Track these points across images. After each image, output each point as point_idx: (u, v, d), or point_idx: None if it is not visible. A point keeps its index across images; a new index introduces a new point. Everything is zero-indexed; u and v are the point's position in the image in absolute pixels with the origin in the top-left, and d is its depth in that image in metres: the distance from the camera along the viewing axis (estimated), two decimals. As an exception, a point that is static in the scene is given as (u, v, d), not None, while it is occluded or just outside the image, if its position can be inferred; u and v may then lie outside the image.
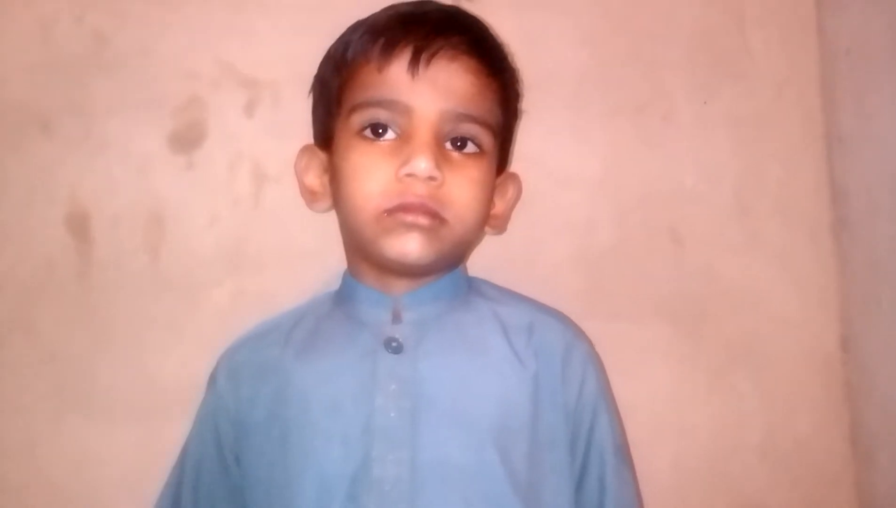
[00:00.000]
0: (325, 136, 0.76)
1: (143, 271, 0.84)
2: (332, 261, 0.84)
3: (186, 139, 0.85)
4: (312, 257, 0.85)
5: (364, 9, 0.80)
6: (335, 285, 0.81)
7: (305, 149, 0.79)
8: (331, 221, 0.82)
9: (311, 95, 0.81)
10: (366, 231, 0.70)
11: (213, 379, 0.76)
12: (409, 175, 0.68)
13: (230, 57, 0.87)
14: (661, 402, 0.87)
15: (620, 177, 0.90)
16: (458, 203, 0.70)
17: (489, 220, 0.78)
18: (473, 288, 0.78)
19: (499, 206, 0.79)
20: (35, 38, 0.85)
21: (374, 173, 0.69)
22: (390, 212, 0.68)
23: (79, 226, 0.84)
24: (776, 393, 0.90)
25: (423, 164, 0.67)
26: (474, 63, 0.72)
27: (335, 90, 0.74)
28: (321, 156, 0.77)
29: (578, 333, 0.77)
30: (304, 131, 0.84)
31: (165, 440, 0.80)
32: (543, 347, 0.73)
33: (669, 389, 0.89)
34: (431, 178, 0.68)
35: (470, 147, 0.72)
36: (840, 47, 0.93)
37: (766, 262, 0.92)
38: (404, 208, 0.68)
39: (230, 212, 0.85)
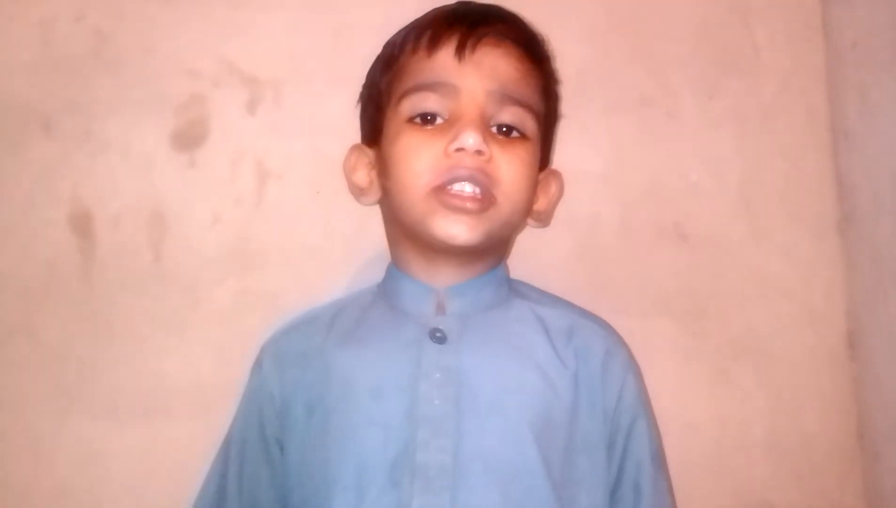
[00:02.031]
0: (374, 131, 0.77)
1: (146, 271, 0.83)
2: (335, 259, 0.84)
3: (188, 137, 0.85)
4: (316, 255, 0.85)
5: (366, 5, 0.80)
6: (341, 283, 0.82)
7: (354, 148, 0.80)
8: (334, 218, 0.83)
9: (359, 103, 0.82)
10: (414, 211, 0.71)
11: (258, 366, 0.77)
12: (458, 150, 0.69)
13: (232, 55, 0.86)
14: (665, 398, 0.85)
15: (624, 173, 0.90)
16: (506, 181, 0.71)
17: (533, 214, 0.79)
18: (514, 289, 0.79)
19: (542, 201, 0.80)
20: (35, 38, 0.85)
21: (422, 152, 0.71)
22: (439, 190, 0.69)
23: (81, 225, 0.84)
24: (782, 389, 0.90)
25: (471, 138, 0.69)
26: (518, 50, 0.75)
27: (385, 86, 0.76)
28: (369, 153, 0.78)
29: (618, 339, 0.78)
30: (306, 129, 0.84)
31: (169, 439, 0.80)
32: (583, 350, 0.74)
33: (674, 385, 0.88)
34: (479, 152, 0.69)
35: (515, 134, 0.74)
36: (845, 42, 0.92)
37: (771, 257, 0.91)
38: (454, 181, 0.69)
39: (232, 210, 0.85)
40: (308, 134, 0.84)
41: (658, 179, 0.90)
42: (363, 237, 0.81)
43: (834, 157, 0.93)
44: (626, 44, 0.92)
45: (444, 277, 0.74)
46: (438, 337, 0.71)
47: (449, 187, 0.69)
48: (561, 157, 0.87)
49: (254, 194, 0.85)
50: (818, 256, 0.92)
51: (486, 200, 0.70)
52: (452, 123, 0.71)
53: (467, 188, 0.69)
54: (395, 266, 0.77)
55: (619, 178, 0.90)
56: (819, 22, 0.95)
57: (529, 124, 0.74)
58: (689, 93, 0.92)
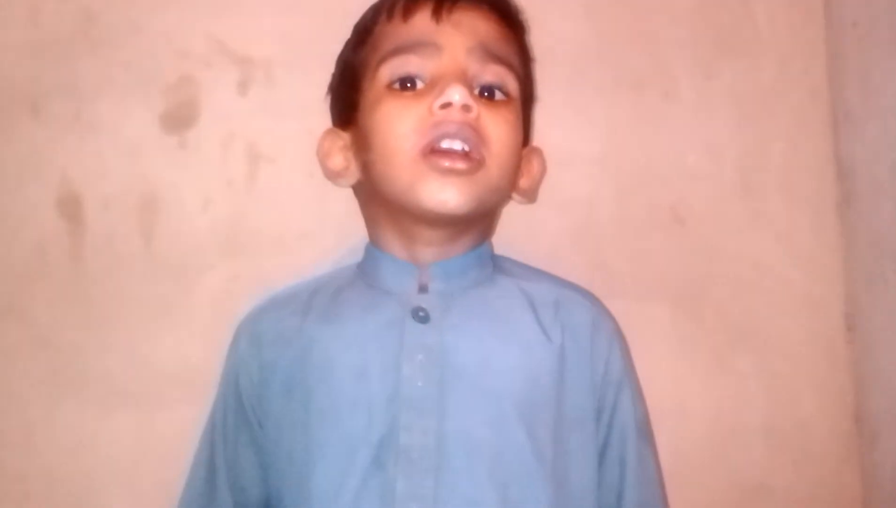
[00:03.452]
0: (349, 110, 0.75)
1: (137, 255, 0.83)
2: (328, 242, 0.83)
3: (178, 119, 0.84)
4: (308, 239, 0.84)
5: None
6: (331, 266, 0.80)
7: (327, 132, 0.78)
8: (327, 202, 0.82)
9: (329, 93, 0.80)
10: (402, 179, 0.68)
11: (234, 345, 0.76)
12: (444, 106, 0.67)
13: (222, 34, 0.85)
14: (661, 383, 0.85)
15: (621, 155, 0.89)
16: (494, 140, 0.69)
17: (519, 190, 0.78)
18: (498, 266, 0.77)
19: (526, 179, 0.78)
20: (23, 18, 0.84)
21: (406, 115, 0.69)
22: (427, 151, 0.67)
23: (71, 209, 0.83)
24: (779, 374, 0.90)
25: (457, 93, 0.67)
26: (494, 13, 0.74)
27: (359, 61, 0.75)
28: (344, 136, 0.76)
29: (604, 310, 0.77)
30: (299, 110, 0.83)
31: (160, 425, 0.80)
32: (570, 322, 0.73)
33: (671, 370, 0.88)
34: (466, 107, 0.67)
35: (498, 95, 0.72)
36: (846, 21, 0.91)
37: (769, 240, 0.91)
38: (442, 138, 0.67)
39: (224, 193, 0.84)
40: (301, 116, 0.83)
41: (655, 162, 0.90)
42: (357, 221, 0.80)
43: (834, 138, 0.92)
44: (622, 24, 0.90)
45: (425, 256, 0.73)
46: (421, 316, 0.70)
47: (437, 146, 0.67)
48: (556, 138, 0.86)
49: (246, 176, 0.85)
50: (816, 239, 0.92)
51: (476, 160, 0.68)
52: (434, 83, 0.69)
53: (456, 145, 0.67)
54: (374, 246, 0.76)
55: (615, 160, 0.89)
56: (820, 2, 0.94)
57: (512, 84, 0.73)
58: (686, 74, 0.91)
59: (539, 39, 0.82)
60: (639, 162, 0.89)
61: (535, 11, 0.81)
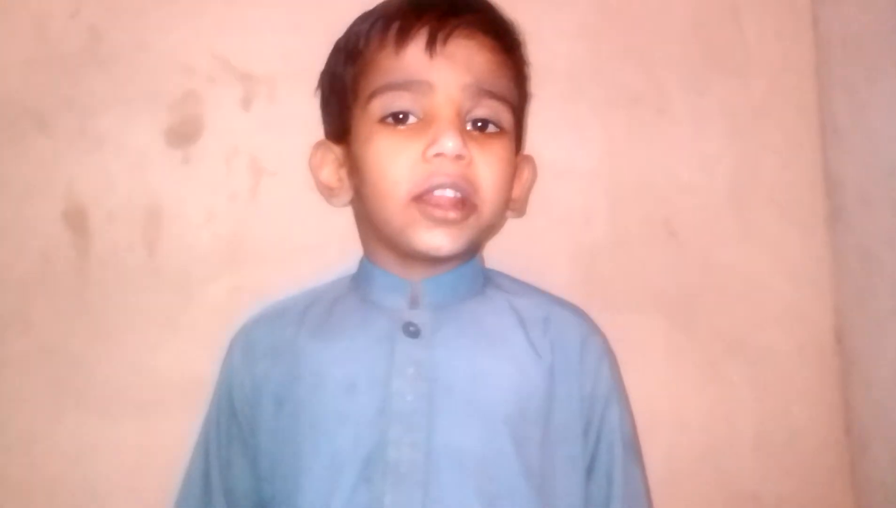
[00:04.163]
0: (341, 129, 0.75)
1: (140, 267, 0.84)
2: (330, 255, 0.84)
3: (183, 134, 0.85)
4: (310, 251, 0.85)
5: (360, 1, 0.80)
6: (332, 279, 0.81)
7: (319, 144, 0.78)
8: (328, 215, 0.82)
9: (319, 92, 0.80)
10: (394, 221, 0.69)
11: (228, 356, 0.77)
12: (437, 155, 0.67)
13: (226, 51, 0.86)
14: (654, 394, 0.87)
15: (615, 169, 0.90)
16: (486, 184, 0.69)
17: (509, 203, 0.77)
18: (490, 280, 0.78)
19: (516, 189, 0.77)
20: (30, 34, 0.85)
21: (399, 157, 0.68)
22: (419, 199, 0.68)
23: (76, 221, 0.84)
24: (770, 384, 0.91)
25: (450, 142, 0.66)
26: (490, 41, 0.72)
27: (350, 81, 0.74)
28: (336, 150, 0.76)
29: (593, 326, 0.78)
30: (301, 125, 0.84)
31: (163, 434, 0.81)
32: (560, 339, 0.74)
33: (663, 380, 0.89)
34: (459, 156, 0.67)
35: (491, 128, 0.72)
36: (835, 39, 0.93)
37: (760, 253, 0.92)
38: (434, 188, 0.67)
39: (227, 207, 0.85)
40: (302, 131, 0.83)
41: (648, 176, 0.91)
42: (357, 234, 0.81)
43: (823, 153, 0.94)
44: (617, 41, 0.92)
45: (418, 272, 0.73)
46: (412, 331, 0.71)
47: (429, 195, 0.68)
48: (552, 153, 0.87)
49: (248, 190, 0.86)
50: (807, 251, 0.93)
51: (468, 207, 0.69)
52: (428, 122, 0.68)
53: (448, 193, 0.68)
54: (368, 260, 0.76)
55: (609, 174, 0.90)
56: (809, 19, 0.96)
57: (506, 117, 0.73)
58: (679, 90, 0.92)
59: (535, 56, 0.83)
60: (633, 176, 0.90)
61: (531, 28, 0.81)
